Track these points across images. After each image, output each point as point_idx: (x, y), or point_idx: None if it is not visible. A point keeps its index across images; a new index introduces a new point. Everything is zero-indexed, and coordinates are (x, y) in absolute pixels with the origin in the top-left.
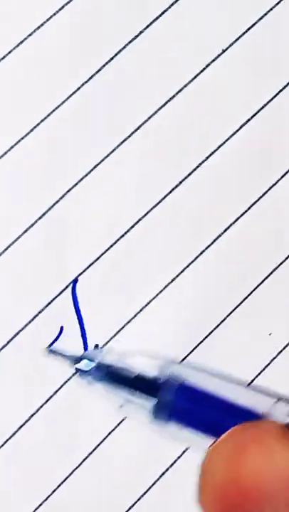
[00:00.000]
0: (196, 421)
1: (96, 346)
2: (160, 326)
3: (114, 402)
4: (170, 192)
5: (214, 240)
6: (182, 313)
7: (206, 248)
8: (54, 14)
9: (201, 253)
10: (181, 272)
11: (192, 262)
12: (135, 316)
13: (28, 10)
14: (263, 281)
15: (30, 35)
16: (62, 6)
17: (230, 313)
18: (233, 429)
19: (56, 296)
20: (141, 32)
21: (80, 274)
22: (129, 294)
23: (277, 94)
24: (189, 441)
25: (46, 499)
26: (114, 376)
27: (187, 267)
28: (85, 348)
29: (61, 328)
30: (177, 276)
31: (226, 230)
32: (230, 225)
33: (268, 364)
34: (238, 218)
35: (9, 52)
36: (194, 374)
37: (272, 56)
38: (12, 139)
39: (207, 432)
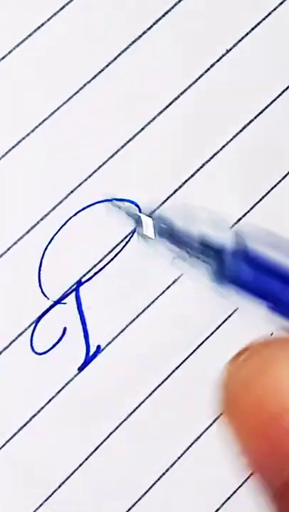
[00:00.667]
0: (258, 289)
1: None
2: (160, 328)
3: (175, 260)
4: (172, 194)
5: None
6: (180, 318)
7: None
8: (54, 14)
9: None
10: (180, 276)
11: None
12: (136, 318)
13: (28, 10)
14: None
15: (30, 35)
16: (63, 6)
17: (231, 314)
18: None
19: (60, 298)
20: (144, 32)
21: (83, 276)
22: (132, 298)
23: (281, 94)
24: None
25: (46, 500)
26: (178, 234)
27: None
28: (88, 350)
29: (64, 330)
30: (177, 279)
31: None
32: (231, 226)
33: None
34: (239, 219)
35: (9, 53)
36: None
37: (276, 56)
38: (12, 140)
39: (267, 302)
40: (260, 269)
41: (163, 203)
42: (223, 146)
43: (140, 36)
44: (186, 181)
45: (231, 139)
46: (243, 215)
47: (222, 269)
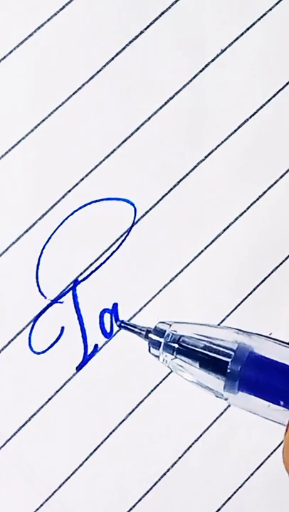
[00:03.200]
0: (267, 390)
1: (158, 327)
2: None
3: (186, 374)
4: (168, 192)
5: (212, 242)
6: (179, 316)
7: (205, 249)
8: (54, 14)
9: (198, 255)
10: (179, 272)
11: (190, 264)
12: (133, 316)
13: (28, 10)
14: (263, 282)
15: (30, 35)
16: (63, 7)
17: (230, 313)
18: None
19: (57, 297)
20: (141, 32)
21: (80, 275)
22: (128, 296)
23: (276, 94)
24: (259, 410)
25: (46, 500)
26: (184, 348)
27: (185, 267)
28: (85, 349)
29: (62, 329)
30: (175, 276)
31: (224, 231)
32: (228, 226)
33: None
34: (238, 218)
35: (9, 53)
36: (261, 344)
37: (271, 56)
38: (9, 140)
39: (278, 400)
40: (268, 372)
41: (158, 202)
42: (218, 146)
43: (137, 36)
44: (180, 180)
45: (226, 138)
46: (240, 215)
47: (232, 380)
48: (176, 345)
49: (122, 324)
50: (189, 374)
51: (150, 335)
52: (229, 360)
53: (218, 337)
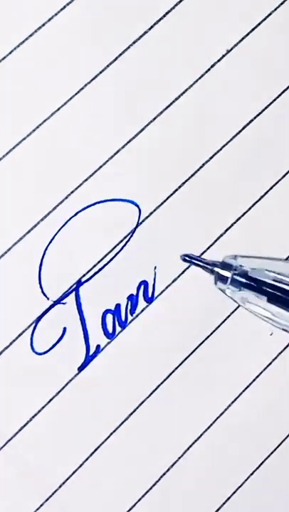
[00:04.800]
0: None
1: (225, 261)
2: (158, 329)
3: (254, 306)
4: (172, 193)
5: (214, 242)
6: (181, 316)
7: (207, 249)
8: (55, 15)
9: (201, 255)
10: (182, 272)
11: (190, 265)
12: (135, 317)
13: (28, 10)
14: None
15: (31, 35)
16: (64, 7)
17: (231, 313)
18: None
19: (60, 298)
20: (145, 32)
21: (83, 276)
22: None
23: (280, 94)
24: None
25: (46, 500)
26: (252, 282)
27: (188, 267)
28: (87, 350)
29: (64, 330)
30: (178, 277)
31: (226, 231)
32: (230, 226)
33: (268, 364)
34: (239, 218)
35: (10, 53)
36: None
37: (276, 57)
38: (12, 140)
39: None
40: None
41: (162, 203)
42: (223, 147)
43: (141, 37)
44: (185, 181)
45: (231, 140)
46: (242, 215)
47: None
48: (244, 279)
49: (187, 258)
50: (257, 307)
51: (216, 269)
52: None
53: (286, 271)
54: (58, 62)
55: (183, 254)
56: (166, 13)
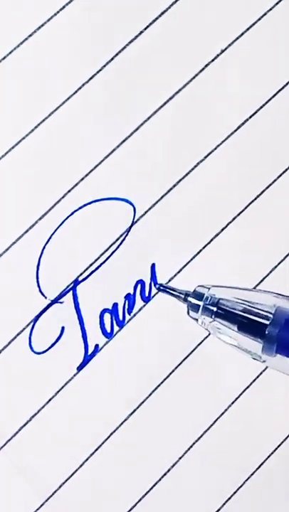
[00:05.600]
0: None
1: (198, 291)
2: (158, 326)
3: (224, 336)
4: (167, 192)
5: (210, 241)
6: (179, 315)
7: (203, 248)
8: (55, 14)
9: (197, 253)
10: (178, 272)
11: (189, 263)
12: (133, 316)
13: (28, 10)
14: (262, 281)
15: (30, 35)
16: (63, 6)
17: None
18: None
19: (57, 297)
20: (141, 32)
21: (80, 275)
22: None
23: (276, 94)
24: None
25: (46, 500)
26: (223, 311)
27: (184, 266)
28: (86, 349)
29: (62, 329)
30: (174, 276)
31: (222, 230)
32: (227, 225)
33: None
34: (236, 218)
35: (10, 53)
36: None
37: (271, 56)
38: (9, 140)
39: None
40: None
41: (157, 202)
42: (218, 146)
43: (137, 36)
44: (180, 180)
45: (226, 139)
46: (238, 215)
47: (270, 342)
48: (215, 308)
49: (161, 287)
50: (228, 337)
51: (189, 298)
52: (268, 322)
53: (257, 300)
54: (53, 64)
55: (157, 284)
56: (162, 13)
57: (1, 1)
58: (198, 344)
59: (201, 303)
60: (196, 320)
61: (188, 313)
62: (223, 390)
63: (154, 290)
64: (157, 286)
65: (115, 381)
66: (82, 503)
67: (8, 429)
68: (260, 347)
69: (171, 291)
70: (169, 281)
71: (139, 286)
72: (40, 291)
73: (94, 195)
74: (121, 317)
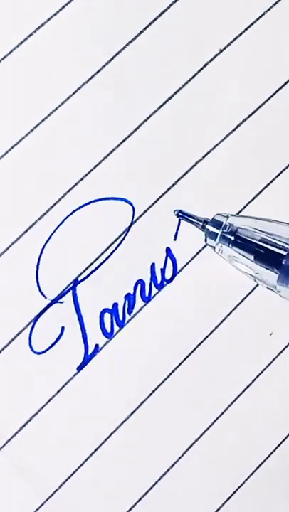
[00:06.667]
0: None
1: (216, 219)
2: (157, 328)
3: (240, 265)
4: (166, 191)
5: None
6: (179, 317)
7: (203, 248)
8: (54, 14)
9: (197, 254)
10: (178, 271)
11: (189, 263)
12: (134, 316)
13: (28, 10)
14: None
15: (30, 35)
16: (63, 6)
17: (230, 312)
18: None
19: (57, 297)
20: (141, 32)
21: (80, 274)
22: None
23: (274, 93)
24: None
25: (46, 500)
26: (240, 240)
27: (184, 266)
28: (86, 349)
29: (62, 329)
30: (174, 276)
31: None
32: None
33: (268, 364)
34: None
35: (9, 53)
36: None
37: (270, 56)
38: (9, 140)
39: None
40: None
41: (156, 201)
42: (216, 145)
43: (136, 36)
44: (178, 180)
45: (224, 138)
46: (237, 213)
47: (286, 273)
48: (233, 237)
49: (180, 214)
50: (244, 265)
51: (207, 225)
52: (285, 253)
53: (275, 232)
54: (52, 63)
55: (176, 210)
56: (161, 13)
57: (1, 1)
58: (198, 344)
59: (219, 231)
60: (214, 248)
61: (205, 240)
62: (223, 390)
63: (154, 290)
64: (176, 212)
65: (115, 381)
66: (82, 503)
67: (8, 429)
68: (275, 277)
69: (190, 218)
70: (170, 280)
71: (139, 286)
72: (40, 291)
73: (93, 195)
74: (121, 317)
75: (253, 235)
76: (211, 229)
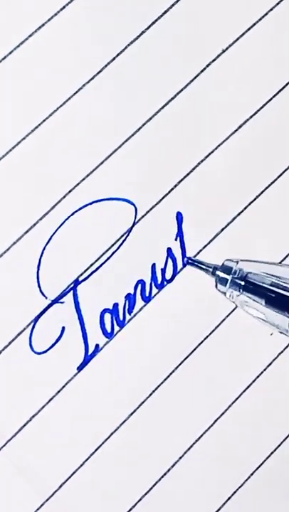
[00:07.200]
0: None
1: (226, 264)
2: (157, 328)
3: (252, 310)
4: (169, 192)
5: (210, 241)
6: (179, 317)
7: (203, 248)
8: (55, 14)
9: (197, 253)
10: (179, 271)
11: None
12: (134, 316)
13: (29, 10)
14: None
15: (30, 35)
16: (63, 7)
17: (230, 313)
18: None
19: (58, 297)
20: (142, 32)
21: (81, 275)
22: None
23: (276, 94)
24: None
25: (46, 500)
26: (251, 285)
27: (182, 269)
28: (86, 349)
29: (62, 329)
30: (174, 276)
31: (222, 230)
32: (227, 225)
33: (268, 364)
34: (236, 217)
35: (10, 53)
36: None
37: (272, 56)
38: (10, 140)
39: None
40: None
41: (159, 202)
42: (219, 146)
43: (138, 36)
44: (181, 180)
45: (227, 138)
46: (238, 214)
47: None
48: (243, 282)
49: (190, 261)
50: (255, 310)
51: (217, 272)
52: None
53: (285, 275)
54: (55, 63)
55: (186, 257)
56: (163, 13)
57: (1, 1)
58: (199, 345)
59: (229, 277)
60: (224, 294)
61: (216, 286)
62: (223, 390)
63: (154, 290)
64: (186, 259)
65: (115, 381)
66: (82, 503)
67: (8, 429)
68: (287, 321)
69: (200, 265)
70: (170, 280)
71: (139, 286)
72: (41, 291)
73: (95, 196)
74: (121, 317)
75: (263, 279)
76: (221, 275)
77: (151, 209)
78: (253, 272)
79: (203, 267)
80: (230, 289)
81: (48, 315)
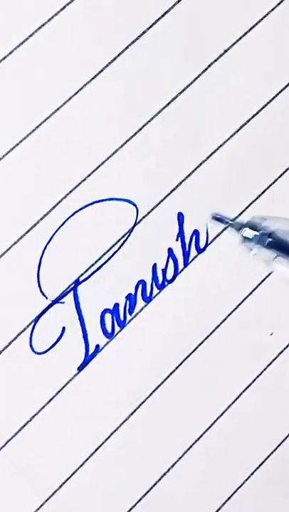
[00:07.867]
0: None
1: (252, 221)
2: (157, 328)
3: (276, 268)
4: (170, 192)
5: (211, 241)
6: (180, 316)
7: (205, 247)
8: (55, 15)
9: (198, 254)
10: (180, 271)
11: (191, 263)
12: (134, 316)
13: (29, 10)
14: (263, 281)
15: (31, 35)
16: (64, 7)
17: (231, 312)
18: None
19: (58, 297)
20: (143, 32)
21: (81, 275)
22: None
23: (278, 94)
24: None
25: (46, 500)
26: (276, 243)
27: (185, 267)
28: (87, 349)
29: (63, 329)
30: (175, 277)
31: (223, 231)
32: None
33: (268, 364)
34: (237, 217)
35: (10, 53)
36: None
37: (273, 56)
38: (11, 140)
39: None
40: None
41: (160, 202)
42: (220, 146)
43: (139, 37)
44: (182, 181)
45: (228, 139)
46: (239, 214)
47: None
48: (269, 239)
49: (216, 217)
50: (282, 267)
51: (243, 228)
52: None
53: None
54: (56, 63)
55: (213, 213)
56: (164, 13)
57: (1, 1)
58: (199, 345)
59: (255, 233)
60: (250, 250)
61: (241, 242)
62: (223, 390)
63: (155, 290)
64: (212, 215)
65: (116, 381)
66: (82, 503)
67: (8, 429)
68: None
69: (226, 220)
70: (171, 280)
71: (140, 286)
72: (41, 291)
73: (96, 196)
74: (122, 317)
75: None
76: (248, 231)
77: (152, 209)
78: (280, 228)
79: (230, 222)
80: (257, 245)
81: (49, 315)
